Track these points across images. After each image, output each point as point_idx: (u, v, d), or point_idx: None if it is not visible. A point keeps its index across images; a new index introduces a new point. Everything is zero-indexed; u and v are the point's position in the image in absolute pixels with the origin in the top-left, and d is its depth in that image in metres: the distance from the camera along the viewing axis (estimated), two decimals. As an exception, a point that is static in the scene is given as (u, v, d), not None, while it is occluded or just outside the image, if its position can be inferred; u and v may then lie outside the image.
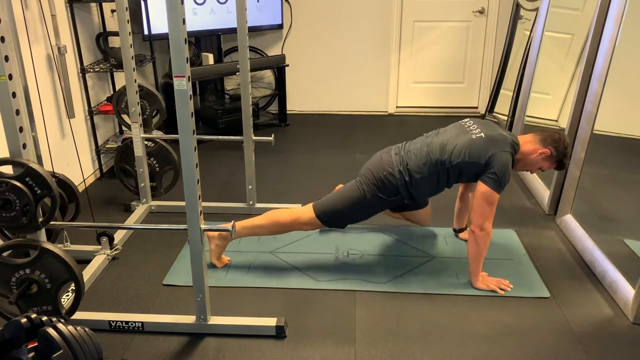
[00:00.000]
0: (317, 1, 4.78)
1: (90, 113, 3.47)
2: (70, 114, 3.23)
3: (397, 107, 5.12)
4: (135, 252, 2.69)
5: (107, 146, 3.63)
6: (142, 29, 3.76)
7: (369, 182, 2.39)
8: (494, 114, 4.60)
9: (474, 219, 2.31)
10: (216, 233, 2.50)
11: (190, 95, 1.75)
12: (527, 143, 2.38)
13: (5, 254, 1.91)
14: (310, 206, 2.47)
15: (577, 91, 2.82)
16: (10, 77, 1.72)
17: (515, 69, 4.21)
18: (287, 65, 4.68)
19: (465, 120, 2.44)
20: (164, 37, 3.80)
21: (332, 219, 2.45)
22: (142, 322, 2.10)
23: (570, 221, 2.86)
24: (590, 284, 2.44)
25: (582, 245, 2.67)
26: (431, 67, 4.98)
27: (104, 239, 2.59)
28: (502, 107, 4.49)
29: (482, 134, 2.31)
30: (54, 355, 1.16)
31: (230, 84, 4.86)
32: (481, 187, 2.27)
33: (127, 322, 2.10)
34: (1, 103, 1.74)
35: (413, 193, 2.40)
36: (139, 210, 3.01)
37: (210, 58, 4.31)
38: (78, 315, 2.05)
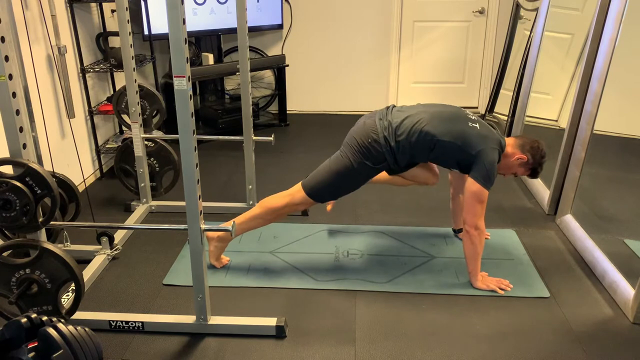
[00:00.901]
0: (317, 1, 4.78)
1: (91, 113, 3.48)
2: (70, 114, 3.23)
3: (397, 107, 5.12)
4: (135, 252, 2.69)
5: (107, 146, 3.64)
6: (142, 29, 3.76)
7: (354, 151, 2.35)
8: (494, 114, 4.59)
9: (467, 219, 2.31)
10: (215, 234, 2.50)
11: (190, 95, 1.75)
12: (508, 146, 2.40)
13: (5, 254, 1.91)
14: (299, 186, 2.45)
15: (577, 91, 2.82)
16: (10, 77, 1.72)
17: (515, 69, 4.20)
18: (287, 65, 4.68)
19: (465, 110, 2.43)
20: (164, 37, 3.81)
21: (323, 193, 2.43)
22: (142, 322, 2.10)
23: (570, 221, 2.86)
24: (590, 284, 2.44)
25: (582, 245, 2.67)
26: (431, 67, 4.98)
27: (104, 239, 2.59)
28: (502, 107, 4.49)
29: (478, 126, 2.31)
30: (54, 355, 1.16)
31: (230, 84, 4.86)
32: (471, 186, 2.27)
33: (127, 322, 2.10)
34: (1, 103, 1.74)
35: (398, 159, 2.35)
36: (139, 210, 3.01)
37: (210, 58, 4.31)
38: (78, 315, 2.05)
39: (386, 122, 2.34)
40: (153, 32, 3.78)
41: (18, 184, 1.78)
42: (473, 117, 2.36)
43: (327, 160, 2.47)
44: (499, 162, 2.35)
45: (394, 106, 2.46)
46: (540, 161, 2.40)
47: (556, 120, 3.50)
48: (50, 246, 1.88)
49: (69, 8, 3.24)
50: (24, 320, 1.19)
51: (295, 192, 2.45)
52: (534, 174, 2.45)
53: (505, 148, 2.38)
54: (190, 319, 2.10)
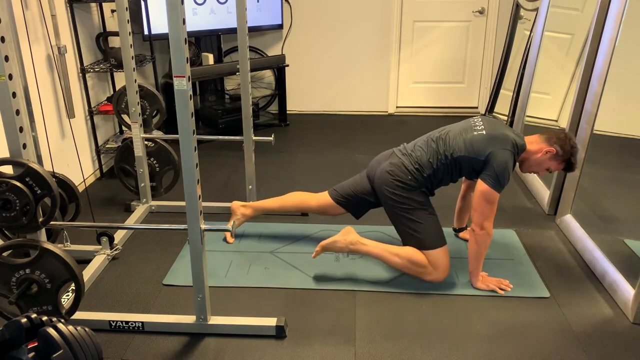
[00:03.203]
0: (317, 1, 4.78)
1: (90, 113, 3.48)
2: (70, 114, 3.23)
3: (397, 107, 5.12)
4: (135, 252, 2.69)
5: (107, 146, 3.63)
6: (142, 29, 3.76)
7: (407, 195, 2.36)
8: (493, 114, 4.59)
9: (474, 218, 2.31)
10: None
11: (190, 95, 1.75)
12: (533, 143, 2.37)
13: (5, 254, 1.91)
14: (420, 253, 2.39)
15: (577, 91, 2.82)
16: (10, 77, 1.72)
17: (515, 69, 4.21)
18: (287, 65, 4.68)
19: (475, 118, 2.44)
20: (164, 37, 3.80)
21: (435, 241, 2.38)
22: (142, 322, 2.10)
23: (570, 221, 2.86)
24: (590, 284, 2.44)
25: (582, 245, 2.67)
26: (431, 67, 4.98)
27: (104, 239, 2.59)
28: (502, 107, 4.49)
29: (484, 132, 2.31)
30: (54, 355, 1.16)
31: (230, 84, 4.86)
32: (480, 185, 2.27)
33: (127, 322, 2.10)
34: (1, 103, 1.74)
35: (431, 189, 2.43)
36: (139, 210, 3.01)
37: (210, 58, 4.31)
38: (78, 315, 2.05)
39: (410, 157, 2.39)
40: (153, 32, 3.78)
41: (18, 184, 1.78)
42: (480, 124, 2.36)
43: (399, 228, 2.45)
44: (516, 162, 2.34)
45: (405, 144, 2.52)
46: (572, 151, 2.33)
47: (556, 120, 3.50)
48: (50, 246, 1.88)
49: (69, 8, 3.24)
50: (24, 320, 1.19)
51: (417, 255, 2.39)
52: (569, 166, 2.37)
53: (528, 146, 2.35)
54: (190, 319, 2.10)
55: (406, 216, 2.37)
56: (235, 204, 2.83)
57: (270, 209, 2.82)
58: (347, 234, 2.44)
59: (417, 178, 2.35)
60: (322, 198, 2.68)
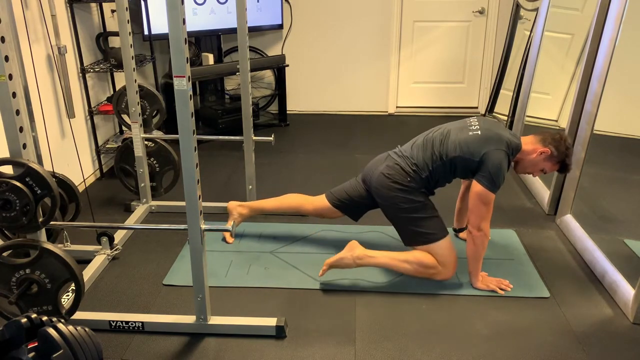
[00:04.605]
0: (317, 1, 4.78)
1: (90, 113, 3.48)
2: (70, 114, 3.23)
3: (397, 107, 5.12)
4: (135, 252, 2.69)
5: (107, 146, 3.63)
6: (142, 29, 3.76)
7: (405, 195, 2.35)
8: (494, 114, 4.60)
9: (471, 219, 2.31)
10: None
11: (190, 95, 1.75)
12: (528, 143, 2.36)
13: (5, 254, 1.91)
14: (420, 252, 2.39)
15: (577, 91, 2.82)
16: (10, 77, 1.72)
17: (515, 69, 4.21)
18: (287, 65, 4.68)
19: (471, 118, 2.44)
20: (164, 37, 3.80)
21: (429, 239, 2.37)
22: (142, 322, 2.10)
23: (570, 221, 2.86)
24: (590, 284, 2.44)
25: (582, 245, 2.67)
26: (431, 67, 4.98)
27: (104, 239, 2.59)
28: (502, 107, 4.49)
29: (479, 132, 2.31)
30: (54, 355, 1.16)
31: (230, 84, 4.86)
32: (475, 187, 2.27)
33: (127, 322, 2.10)
34: (1, 103, 1.74)
35: (430, 189, 2.43)
36: (139, 210, 3.01)
37: (210, 58, 4.31)
38: (78, 315, 2.05)
39: (406, 159, 2.39)
40: (153, 32, 3.78)
41: (18, 184, 1.78)
42: (475, 124, 2.35)
43: (399, 227, 2.45)
44: (511, 163, 2.34)
45: (399, 146, 2.51)
46: (566, 152, 2.32)
47: (556, 120, 3.50)
48: (50, 246, 1.88)
49: (69, 8, 3.24)
50: (24, 320, 1.19)
51: (423, 256, 2.38)
52: (563, 167, 2.37)
53: (523, 146, 2.35)
54: (190, 319, 2.10)
55: (408, 216, 2.37)
56: (232, 204, 2.83)
57: (266, 210, 2.82)
58: (353, 250, 2.40)
59: (415, 179, 2.35)
60: (319, 201, 2.67)
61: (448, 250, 2.37)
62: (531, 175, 2.46)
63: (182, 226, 1.95)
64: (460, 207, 2.79)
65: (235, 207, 2.82)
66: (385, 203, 2.42)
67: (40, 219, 1.87)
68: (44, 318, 1.23)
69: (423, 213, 2.36)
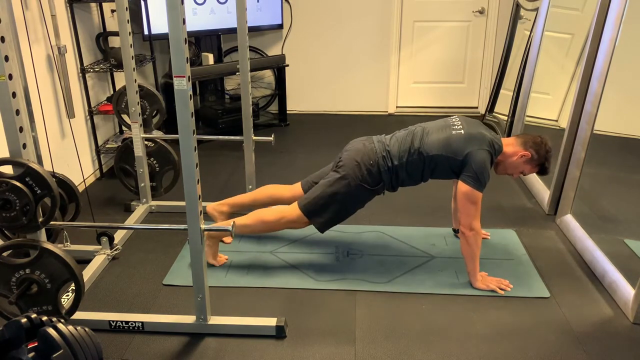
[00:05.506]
0: (317, 1, 4.78)
1: (90, 113, 3.48)
2: (70, 114, 3.23)
3: (397, 107, 5.12)
4: (135, 252, 2.69)
5: (107, 146, 3.63)
6: (142, 29, 3.76)
7: (353, 172, 2.36)
8: (494, 114, 4.60)
9: (462, 219, 2.32)
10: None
11: (190, 95, 1.75)
12: (509, 145, 2.39)
13: (5, 254, 1.91)
14: (295, 204, 2.46)
15: (577, 91, 2.82)
16: (10, 77, 1.72)
17: (515, 69, 4.20)
18: (287, 65, 4.68)
19: (453, 118, 2.45)
20: (164, 37, 3.80)
21: (317, 212, 2.41)
22: (142, 322, 2.10)
23: (570, 221, 2.86)
24: (590, 284, 2.44)
25: (582, 245, 2.67)
26: (431, 67, 4.98)
27: (104, 239, 2.59)
28: (502, 107, 4.49)
29: (462, 131, 2.32)
30: (54, 355, 1.16)
31: (230, 84, 4.86)
32: (462, 187, 2.28)
33: (127, 322, 2.10)
34: (1, 103, 1.74)
35: (393, 183, 2.41)
36: (139, 210, 3.01)
37: (210, 58, 4.31)
38: (78, 315, 2.05)
39: (383, 144, 2.40)
40: (153, 32, 3.78)
41: (18, 184, 1.78)
42: (458, 124, 2.37)
43: (323, 180, 2.47)
44: (494, 163, 2.36)
45: (385, 134, 2.53)
46: (546, 156, 2.37)
47: (556, 120, 3.50)
48: (50, 246, 1.88)
49: (69, 8, 3.24)
50: (24, 320, 1.19)
51: (290, 210, 2.44)
52: (542, 170, 2.42)
53: (505, 148, 2.37)
54: (190, 319, 2.10)
55: (332, 189, 2.37)
56: (211, 207, 2.74)
57: (243, 204, 2.76)
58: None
59: (377, 166, 2.35)
60: (295, 189, 2.65)
61: (300, 225, 2.44)
62: (511, 176, 2.49)
63: (182, 226, 1.95)
64: (455, 207, 2.79)
65: (214, 208, 2.74)
66: (338, 161, 2.43)
67: (40, 219, 1.87)
68: (44, 318, 1.23)
69: (344, 198, 2.37)
